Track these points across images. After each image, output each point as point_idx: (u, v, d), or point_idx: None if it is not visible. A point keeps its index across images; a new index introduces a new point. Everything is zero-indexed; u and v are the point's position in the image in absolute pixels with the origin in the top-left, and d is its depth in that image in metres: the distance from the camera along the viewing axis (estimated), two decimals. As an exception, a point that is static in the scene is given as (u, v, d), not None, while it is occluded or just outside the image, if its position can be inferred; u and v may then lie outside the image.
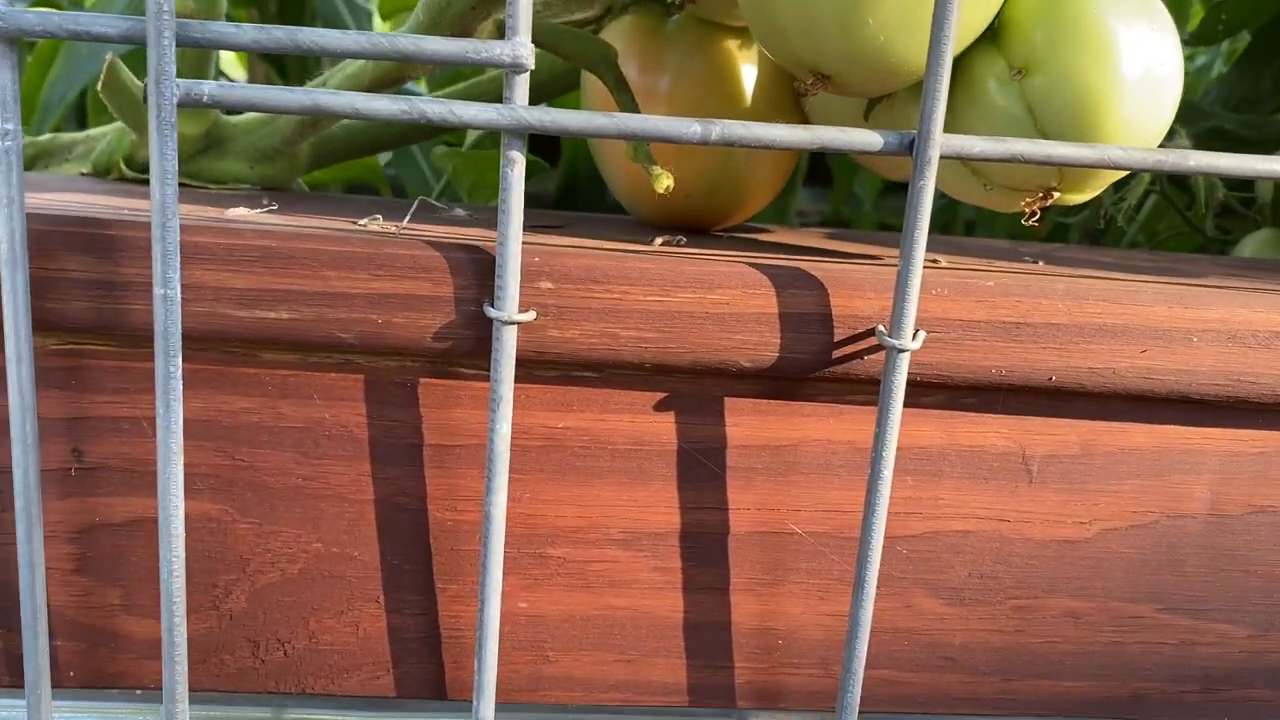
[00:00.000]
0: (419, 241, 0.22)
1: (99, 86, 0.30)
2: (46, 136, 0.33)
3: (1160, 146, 0.26)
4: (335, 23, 0.73)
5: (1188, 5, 0.83)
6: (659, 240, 0.26)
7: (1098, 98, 0.22)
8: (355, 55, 0.20)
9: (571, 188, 0.52)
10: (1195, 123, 0.40)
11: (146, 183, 0.31)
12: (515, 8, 0.20)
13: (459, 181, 0.40)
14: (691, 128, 0.21)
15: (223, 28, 0.19)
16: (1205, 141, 0.40)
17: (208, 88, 0.19)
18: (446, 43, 0.20)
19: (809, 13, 0.22)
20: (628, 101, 0.25)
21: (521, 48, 0.20)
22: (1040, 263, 0.29)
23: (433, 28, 0.24)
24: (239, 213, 0.25)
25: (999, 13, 0.23)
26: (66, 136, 0.33)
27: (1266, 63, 0.42)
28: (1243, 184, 0.41)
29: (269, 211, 0.25)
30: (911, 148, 0.21)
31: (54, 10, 0.20)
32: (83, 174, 0.32)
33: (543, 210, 0.33)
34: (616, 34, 0.29)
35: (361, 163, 0.48)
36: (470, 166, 0.39)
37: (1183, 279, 0.27)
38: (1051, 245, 0.35)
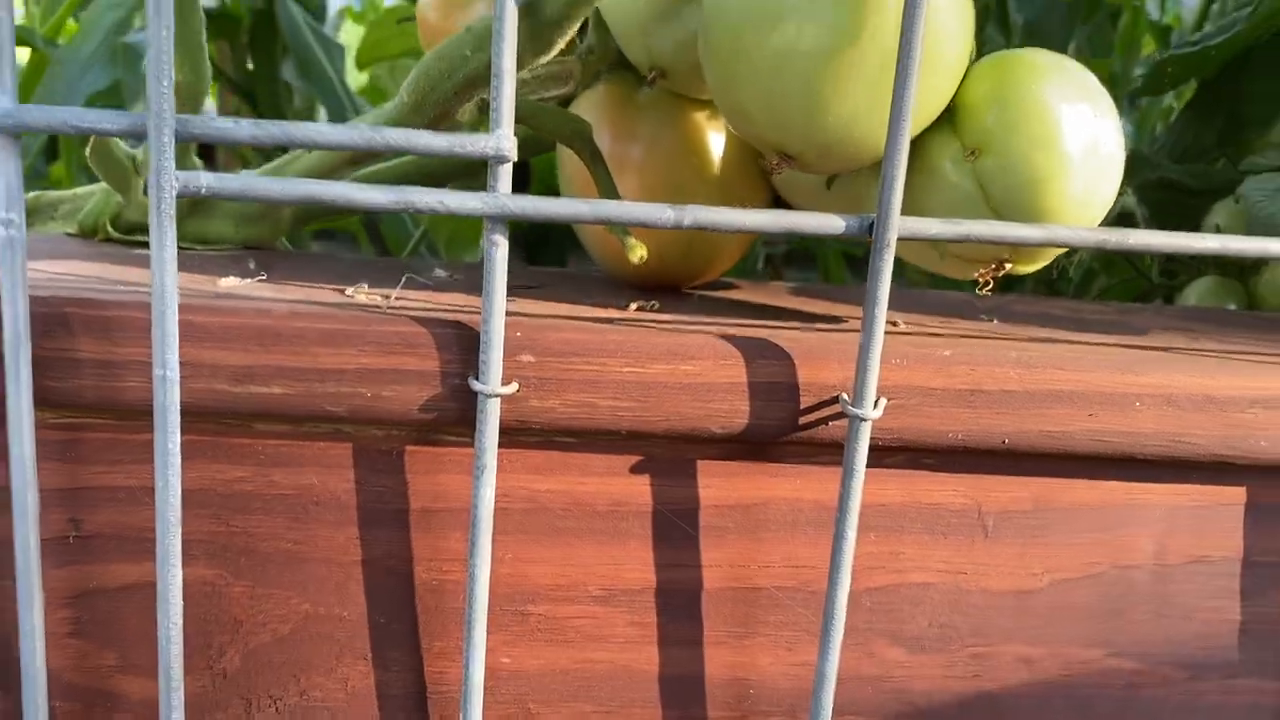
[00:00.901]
0: (405, 318, 0.23)
1: (86, 153, 0.30)
2: (32, 195, 0.34)
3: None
4: (305, 54, 0.73)
5: (1139, 35, 0.86)
6: (634, 305, 0.27)
7: (1045, 178, 0.24)
8: (348, 148, 0.21)
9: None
10: (1142, 173, 0.42)
11: (132, 244, 0.32)
12: (499, 103, 0.21)
13: (437, 233, 0.41)
14: (665, 214, 0.22)
15: (221, 123, 0.20)
16: (1152, 191, 0.42)
17: (205, 180, 0.20)
18: (435, 137, 0.21)
19: (774, 101, 0.23)
20: (603, 175, 0.27)
21: (505, 140, 0.21)
22: (995, 320, 0.30)
23: (416, 109, 0.25)
24: (230, 283, 0.26)
25: (955, 96, 0.25)
26: (52, 195, 0.34)
27: (1211, 115, 0.44)
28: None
29: (259, 281, 0.26)
30: (871, 230, 0.22)
31: (58, 106, 0.20)
32: (68, 234, 0.33)
33: (520, 267, 0.35)
34: (591, 103, 0.30)
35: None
36: (448, 218, 0.40)
37: (1128, 336, 0.29)
38: (1007, 297, 0.37)
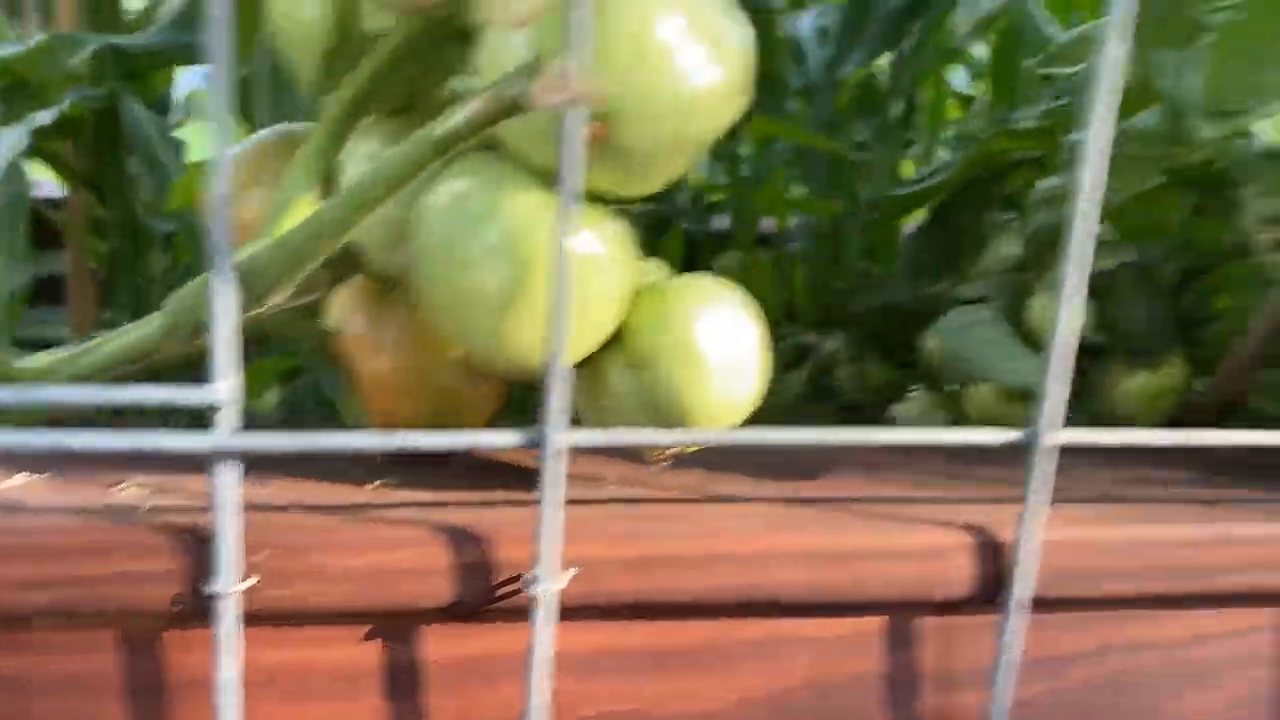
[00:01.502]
0: (156, 526, 0.27)
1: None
2: None
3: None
4: (147, 150, 0.76)
5: (943, 113, 0.93)
6: (375, 484, 0.32)
7: (690, 390, 0.29)
8: (88, 405, 0.25)
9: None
10: (873, 297, 0.48)
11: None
12: (216, 359, 0.25)
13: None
14: (375, 440, 0.27)
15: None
16: (883, 314, 0.48)
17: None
18: (156, 390, 0.25)
19: (464, 331, 0.28)
20: (341, 376, 0.31)
21: (219, 393, 0.25)
22: (699, 469, 0.35)
23: (173, 330, 0.30)
24: (11, 486, 0.30)
25: (626, 317, 0.30)
26: None
27: (942, 236, 0.50)
28: (909, 350, 0.49)
29: (41, 479, 0.30)
30: (538, 444, 0.27)
31: None
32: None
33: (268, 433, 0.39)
34: (351, 291, 0.35)
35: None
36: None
37: (798, 482, 0.34)
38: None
